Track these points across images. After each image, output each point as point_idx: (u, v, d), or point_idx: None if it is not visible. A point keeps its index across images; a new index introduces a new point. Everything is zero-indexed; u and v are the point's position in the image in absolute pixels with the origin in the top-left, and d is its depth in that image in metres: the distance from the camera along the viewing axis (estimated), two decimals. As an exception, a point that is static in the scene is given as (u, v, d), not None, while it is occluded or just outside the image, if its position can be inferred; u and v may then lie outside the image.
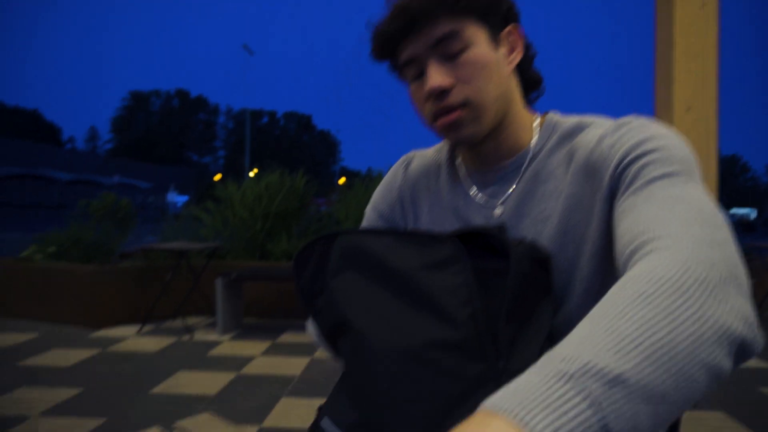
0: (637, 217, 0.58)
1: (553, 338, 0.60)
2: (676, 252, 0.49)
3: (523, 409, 0.35)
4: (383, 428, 0.56)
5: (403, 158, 0.92)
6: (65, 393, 2.93)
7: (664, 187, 0.59)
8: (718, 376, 0.42)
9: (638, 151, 0.63)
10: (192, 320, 4.81)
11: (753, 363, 3.59)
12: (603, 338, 0.40)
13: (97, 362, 3.54)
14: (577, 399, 0.36)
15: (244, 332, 4.43)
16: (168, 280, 4.46)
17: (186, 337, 4.21)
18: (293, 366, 3.49)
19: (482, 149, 0.77)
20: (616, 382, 0.37)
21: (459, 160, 0.84)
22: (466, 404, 0.53)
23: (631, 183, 0.62)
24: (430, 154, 0.89)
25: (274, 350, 3.88)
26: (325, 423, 0.64)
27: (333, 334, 0.66)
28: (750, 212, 65.11)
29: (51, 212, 33.66)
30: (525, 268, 0.61)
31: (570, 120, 0.76)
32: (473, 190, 0.80)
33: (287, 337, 4.26)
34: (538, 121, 0.78)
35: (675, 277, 0.45)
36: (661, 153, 0.62)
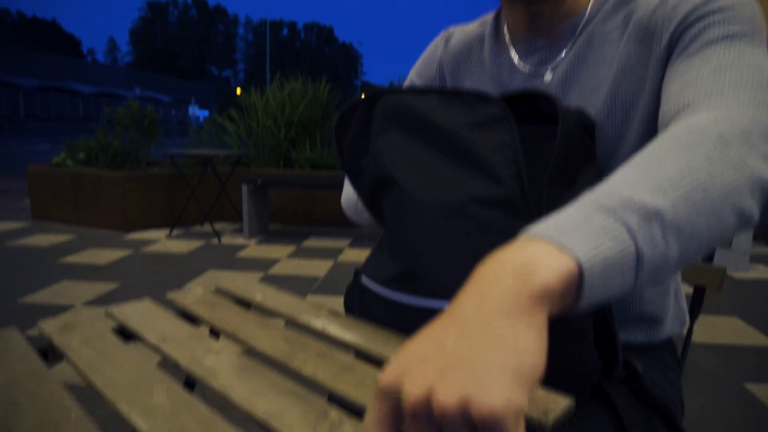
0: (688, 81, 0.56)
1: None
2: (720, 110, 0.49)
3: (563, 234, 0.36)
4: (422, 278, 0.58)
5: (442, 33, 0.88)
6: (104, 287, 3.10)
7: (722, 51, 0.57)
8: (747, 222, 0.44)
9: (702, 11, 0.60)
10: (219, 225, 4.96)
11: (766, 273, 3.60)
12: (643, 179, 0.41)
13: (131, 261, 3.71)
14: (617, 227, 0.37)
15: (270, 237, 4.56)
16: (195, 185, 4.55)
17: (214, 241, 4.36)
18: (318, 268, 3.62)
19: (540, 8, 0.73)
20: (653, 216, 0.38)
21: (505, 30, 0.80)
22: None
23: (688, 44, 0.60)
24: (472, 27, 0.85)
25: (299, 254, 4.01)
26: (363, 280, 0.67)
27: (375, 195, 0.66)
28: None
29: (76, 125, 34.00)
30: (573, 132, 0.60)
31: None
32: (520, 60, 0.77)
33: (311, 242, 4.38)
34: None
35: (717, 130, 0.45)
36: (726, 13, 0.59)
